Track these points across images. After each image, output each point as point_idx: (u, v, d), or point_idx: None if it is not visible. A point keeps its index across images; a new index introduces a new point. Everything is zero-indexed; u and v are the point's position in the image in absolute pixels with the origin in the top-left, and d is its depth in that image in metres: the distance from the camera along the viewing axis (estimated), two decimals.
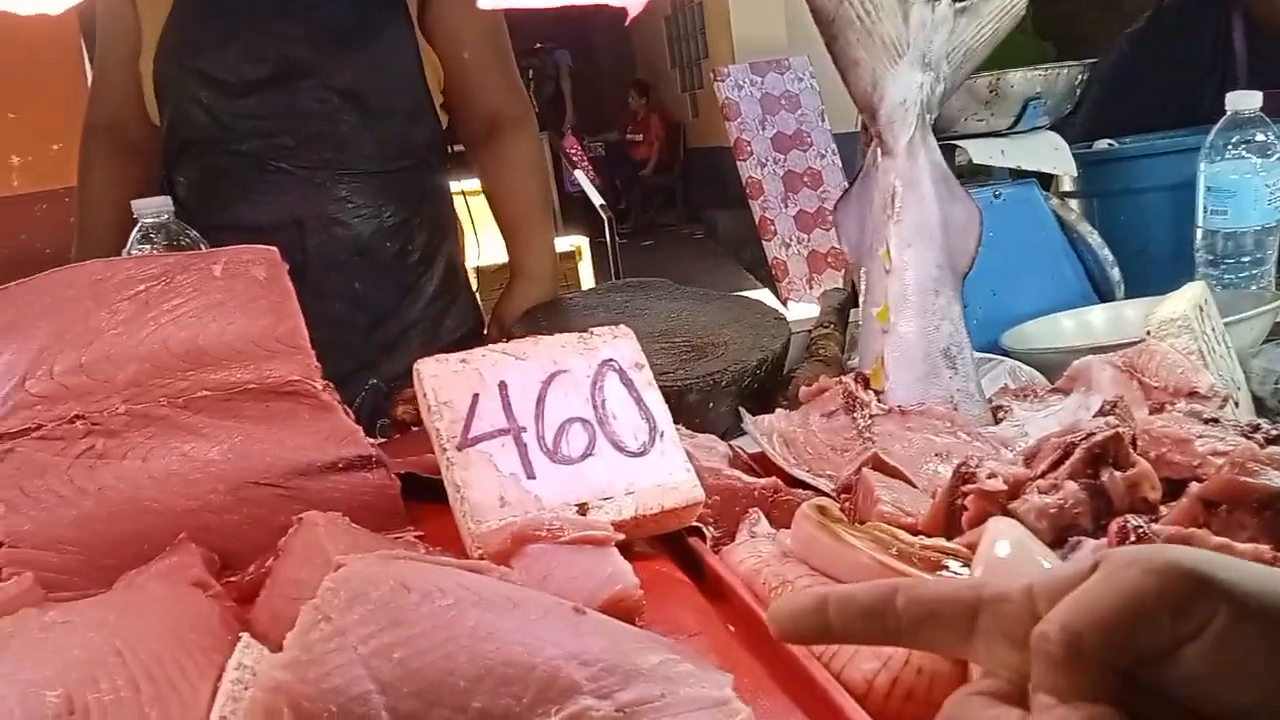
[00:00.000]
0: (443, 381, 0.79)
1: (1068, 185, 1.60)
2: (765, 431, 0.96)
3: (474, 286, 1.82)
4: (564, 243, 5.43)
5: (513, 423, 0.79)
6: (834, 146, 6.82)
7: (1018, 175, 1.41)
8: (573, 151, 9.18)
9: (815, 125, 6.75)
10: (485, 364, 0.81)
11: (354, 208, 1.53)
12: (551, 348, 0.83)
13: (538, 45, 9.69)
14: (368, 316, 1.58)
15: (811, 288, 6.86)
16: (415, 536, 0.85)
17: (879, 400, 0.95)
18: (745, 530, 0.84)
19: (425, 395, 0.79)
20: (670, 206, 10.36)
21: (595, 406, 0.81)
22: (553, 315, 1.59)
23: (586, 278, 5.21)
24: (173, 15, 1.46)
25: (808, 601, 0.39)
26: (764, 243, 6.93)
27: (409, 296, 1.62)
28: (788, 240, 6.85)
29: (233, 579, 0.84)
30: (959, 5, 0.92)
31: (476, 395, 0.79)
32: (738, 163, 6.91)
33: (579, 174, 7.37)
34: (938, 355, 0.94)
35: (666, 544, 0.85)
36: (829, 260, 6.87)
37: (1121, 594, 0.33)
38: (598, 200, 6.69)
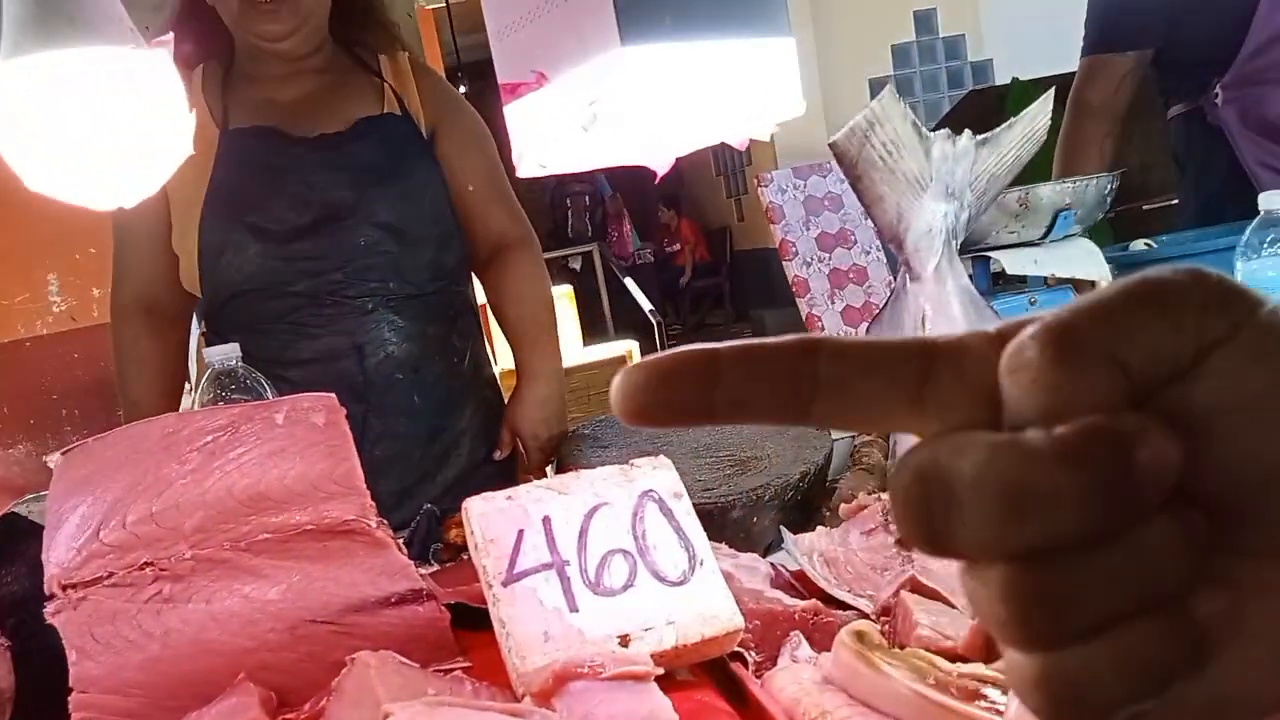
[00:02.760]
0: (489, 520, 0.82)
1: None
2: (806, 551, 0.97)
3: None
4: (615, 347, 5.54)
5: (556, 556, 0.81)
6: (877, 243, 6.89)
7: (1053, 281, 1.43)
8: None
9: (858, 224, 6.84)
10: (530, 500, 0.84)
11: (402, 329, 1.62)
12: (593, 480, 0.86)
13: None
14: (425, 429, 1.65)
15: None
16: (463, 668, 0.88)
17: None
18: (786, 655, 0.85)
19: (473, 533, 0.82)
20: (718, 307, 10.49)
21: (636, 537, 0.83)
22: (600, 431, 1.62)
23: None
24: (214, 182, 1.55)
25: (683, 359, 0.27)
26: None
27: (458, 406, 1.71)
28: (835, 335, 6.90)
29: (289, 716, 0.86)
30: (980, 137, 0.96)
31: (521, 531, 0.82)
32: (783, 262, 7.02)
33: (628, 281, 7.52)
34: None
35: (710, 670, 0.86)
36: None
37: (1132, 286, 0.24)
38: (647, 306, 6.80)
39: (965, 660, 0.73)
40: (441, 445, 1.70)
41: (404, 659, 0.82)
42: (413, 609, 0.92)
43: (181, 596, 0.87)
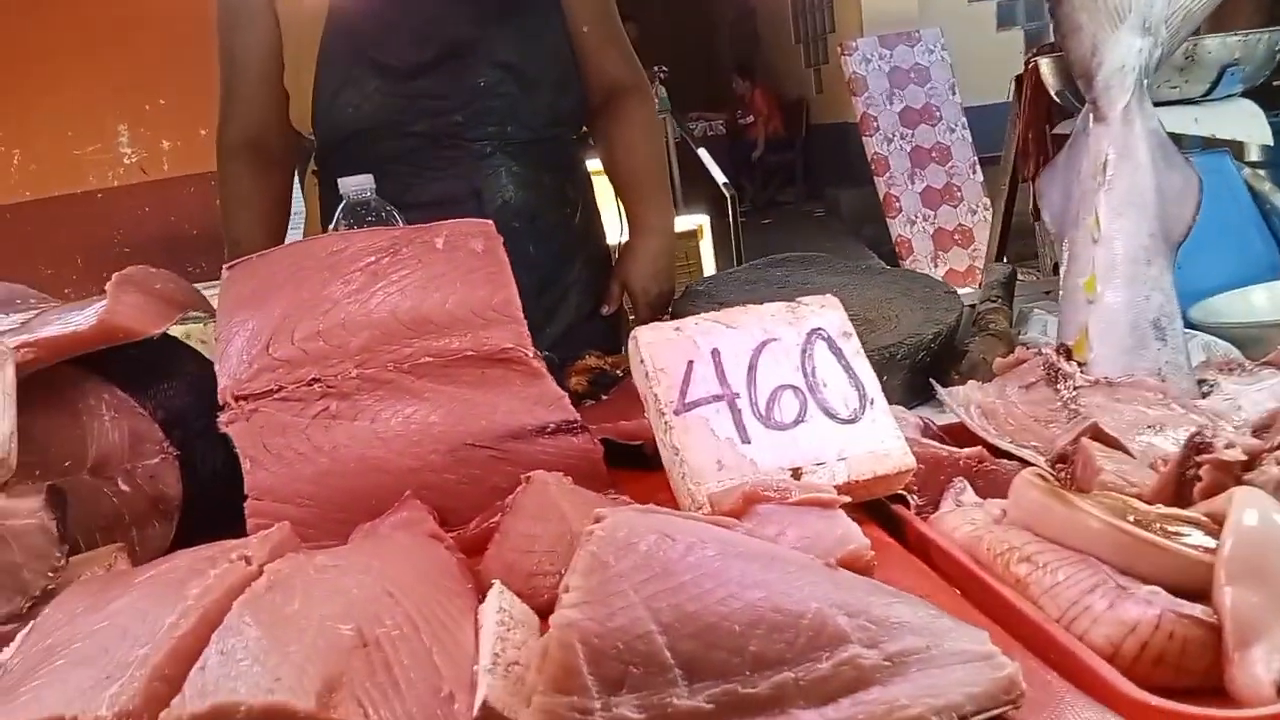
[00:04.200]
0: (659, 349, 0.82)
1: (1255, 155, 1.53)
2: (961, 403, 0.96)
3: None
4: (686, 221, 5.40)
5: (726, 389, 0.81)
6: (964, 120, 6.64)
7: (1208, 144, 1.36)
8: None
9: (945, 99, 6.59)
10: (698, 332, 0.83)
11: (519, 175, 1.58)
12: (761, 317, 0.84)
13: None
14: (536, 280, 1.62)
15: (936, 266, 6.72)
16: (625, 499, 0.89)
17: (1082, 371, 0.94)
18: (951, 499, 0.84)
19: (642, 361, 0.81)
20: (790, 184, 10.25)
21: (806, 374, 0.82)
22: (715, 289, 1.60)
23: (707, 256, 5.20)
24: (331, 16, 1.50)
25: None
26: (888, 220, 6.82)
27: (569, 259, 1.68)
28: (913, 217, 6.72)
29: (452, 534, 0.89)
30: None
31: (691, 362, 0.81)
32: (863, 138, 6.80)
33: (701, 152, 7.35)
34: (1146, 326, 0.92)
35: (867, 510, 0.86)
36: (955, 238, 6.72)
37: None
38: (721, 179, 6.65)
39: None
40: (550, 298, 1.68)
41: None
42: (568, 439, 0.93)
43: (348, 414, 0.88)
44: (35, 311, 0.95)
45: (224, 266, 0.93)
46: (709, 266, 5.18)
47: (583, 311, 1.73)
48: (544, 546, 0.73)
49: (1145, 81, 0.92)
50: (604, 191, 1.84)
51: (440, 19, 1.50)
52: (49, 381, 0.88)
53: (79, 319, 0.90)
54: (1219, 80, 1.29)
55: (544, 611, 0.63)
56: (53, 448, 0.88)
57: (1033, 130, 2.24)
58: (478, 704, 0.52)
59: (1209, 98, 1.32)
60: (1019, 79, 2.39)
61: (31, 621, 0.66)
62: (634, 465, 1.04)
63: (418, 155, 1.54)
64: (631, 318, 1.83)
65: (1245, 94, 1.44)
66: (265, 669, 0.52)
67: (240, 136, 1.64)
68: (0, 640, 0.66)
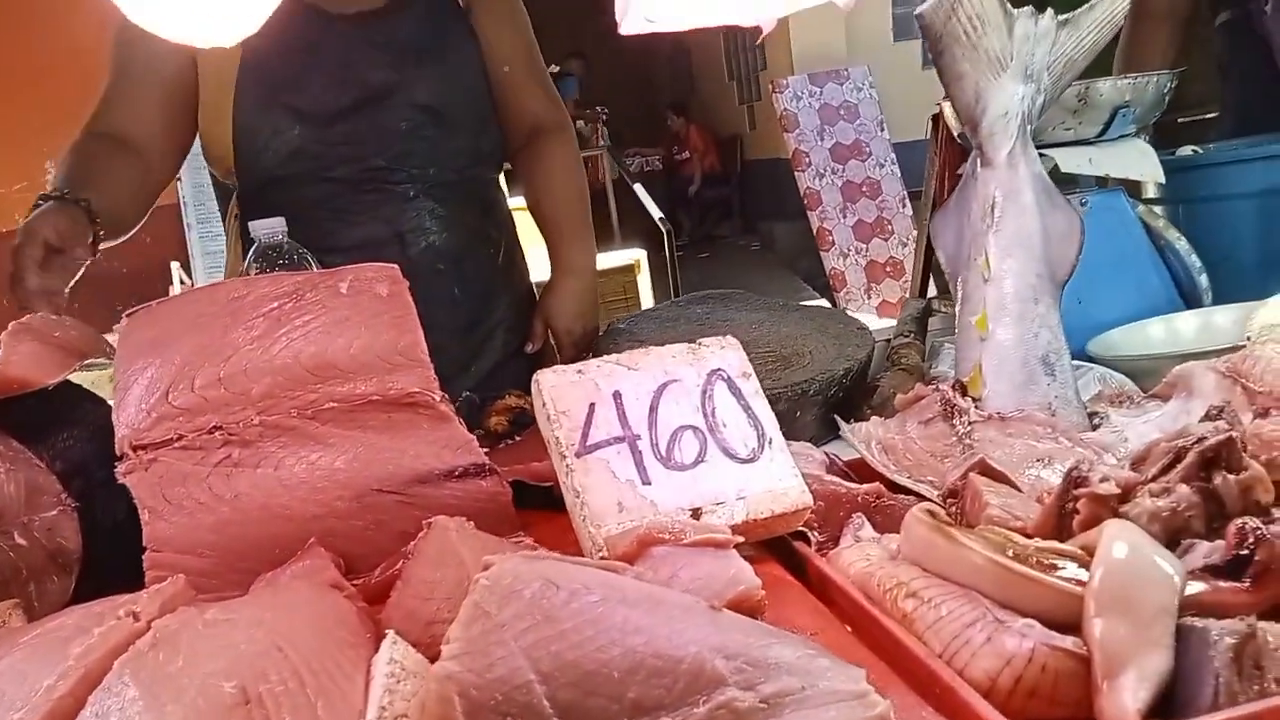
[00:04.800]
0: (561, 392, 0.82)
1: (1151, 192, 1.60)
2: (864, 439, 0.98)
3: None
4: (623, 256, 5.42)
5: (628, 431, 0.82)
6: (893, 156, 6.81)
7: (1103, 183, 1.41)
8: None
9: (874, 135, 6.75)
10: (600, 374, 0.84)
11: (443, 217, 1.58)
12: (662, 358, 0.86)
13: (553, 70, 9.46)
14: (462, 320, 1.63)
15: (870, 298, 6.86)
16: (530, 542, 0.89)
17: (977, 407, 0.96)
18: (850, 535, 0.86)
19: (545, 405, 0.82)
20: (727, 219, 10.39)
21: (706, 415, 0.84)
22: (636, 327, 1.62)
23: (645, 290, 5.23)
24: (245, 60, 1.47)
25: None
26: (822, 253, 6.95)
27: (494, 298, 1.69)
28: (845, 250, 6.85)
29: (357, 581, 0.88)
30: (1061, 18, 0.95)
31: (593, 405, 0.82)
32: (795, 174, 6.93)
33: (638, 188, 7.41)
34: (1036, 363, 0.96)
35: (769, 548, 0.88)
36: (887, 270, 6.86)
37: None
38: (657, 214, 6.71)
39: (1036, 538, 0.74)
40: (476, 338, 1.68)
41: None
42: (475, 483, 0.93)
43: (250, 461, 0.88)
44: None
45: (124, 314, 0.92)
46: (646, 300, 5.20)
47: (509, 350, 1.74)
48: (442, 593, 0.73)
49: (1029, 127, 0.96)
50: (529, 229, 1.85)
51: (358, 63, 1.51)
52: None
53: None
54: (1112, 121, 1.35)
55: None
56: None
57: (949, 169, 2.31)
58: None
59: (1103, 138, 1.37)
60: (935, 118, 2.47)
61: None
62: (546, 506, 1.04)
63: (339, 200, 1.54)
64: (559, 356, 1.83)
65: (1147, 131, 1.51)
66: None
67: (109, 126, 1.48)
68: None
